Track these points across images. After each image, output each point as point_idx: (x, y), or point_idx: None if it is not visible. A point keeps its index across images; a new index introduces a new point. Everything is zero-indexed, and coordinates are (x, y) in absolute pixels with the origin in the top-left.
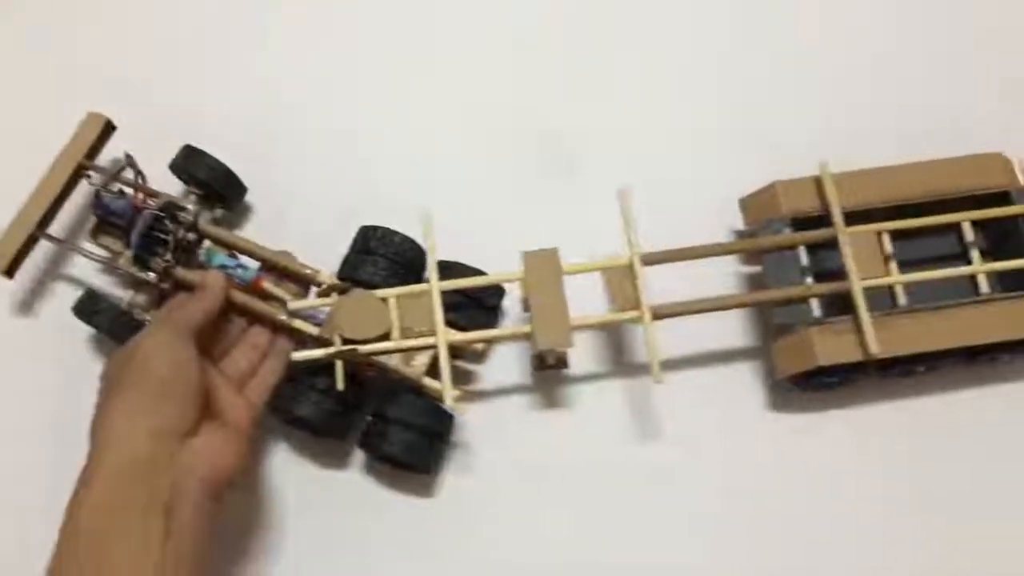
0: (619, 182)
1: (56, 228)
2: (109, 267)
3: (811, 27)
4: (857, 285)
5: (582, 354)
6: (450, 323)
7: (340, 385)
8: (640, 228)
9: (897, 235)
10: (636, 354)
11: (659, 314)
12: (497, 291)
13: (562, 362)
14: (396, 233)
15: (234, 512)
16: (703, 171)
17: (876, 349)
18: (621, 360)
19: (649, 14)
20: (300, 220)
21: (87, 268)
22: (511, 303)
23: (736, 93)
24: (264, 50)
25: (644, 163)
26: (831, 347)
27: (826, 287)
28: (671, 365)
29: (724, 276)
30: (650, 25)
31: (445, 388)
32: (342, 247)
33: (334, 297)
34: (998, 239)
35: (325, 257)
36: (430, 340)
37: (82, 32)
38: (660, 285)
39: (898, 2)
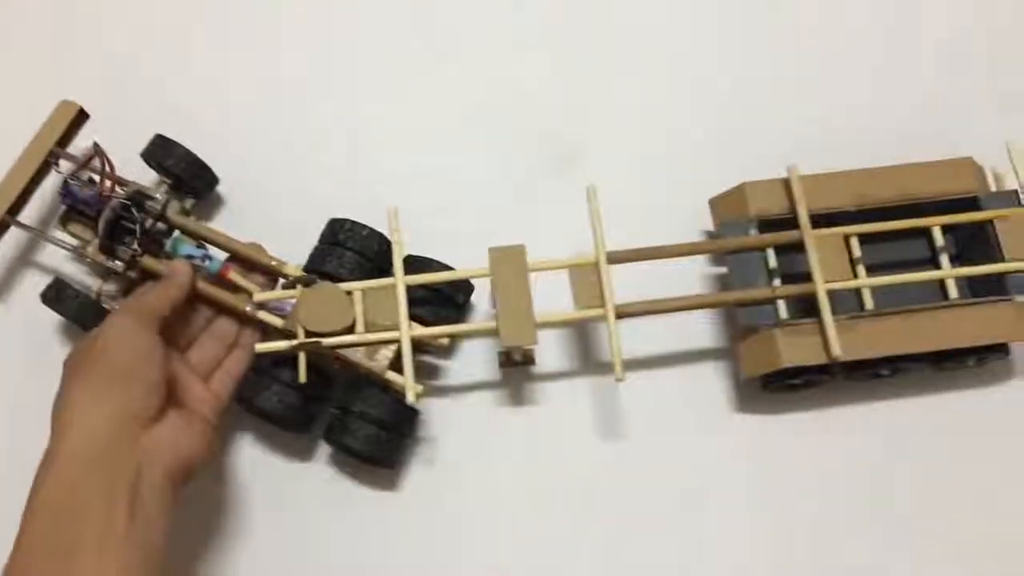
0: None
1: (26, 215)
2: (78, 255)
3: (788, 31)
4: (822, 288)
5: (551, 351)
6: (418, 318)
7: (302, 377)
8: (624, 227)
9: (866, 239)
10: (606, 353)
11: (623, 313)
12: (466, 287)
13: (529, 359)
14: (364, 227)
15: (199, 502)
16: (680, 171)
17: (838, 352)
18: (590, 358)
19: (638, 18)
20: (273, 212)
21: (57, 256)
22: (481, 299)
23: (714, 94)
24: (246, 41)
25: (627, 163)
26: (795, 349)
27: (790, 289)
28: (640, 364)
29: (698, 277)
30: (636, 28)
31: (408, 383)
32: (315, 240)
33: (300, 289)
34: (967, 244)
35: (300, 250)
36: (394, 334)
37: (59, 20)
38: (633, 285)
39: (871, 6)
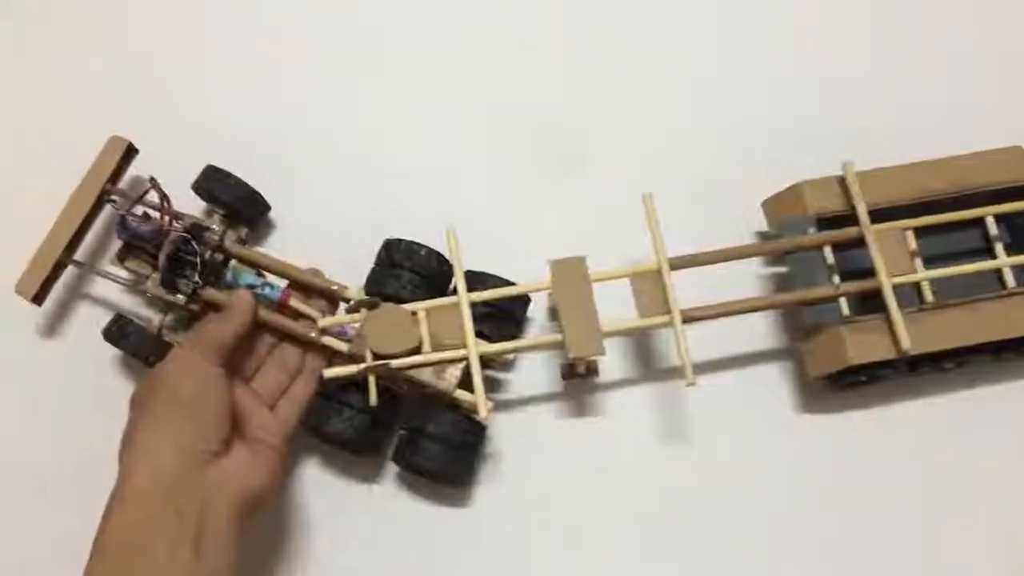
0: (633, 184)
1: (82, 252)
2: (138, 290)
3: (828, 25)
4: (887, 282)
5: (611, 361)
6: (480, 335)
7: (373, 400)
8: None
9: (921, 232)
10: (663, 359)
11: (689, 317)
12: (523, 301)
13: (592, 370)
14: (421, 246)
15: (269, 529)
16: (687, 172)
17: (908, 345)
18: (649, 366)
19: (662, 13)
20: (324, 236)
21: (112, 290)
22: (536, 311)
23: (751, 93)
24: (278, 68)
25: (653, 164)
26: (863, 345)
27: (856, 285)
28: (700, 369)
29: (744, 277)
30: (660, 24)
31: (479, 400)
32: (367, 261)
33: (363, 313)
34: (1018, 233)
35: (350, 272)
36: (461, 352)
37: (103, 53)
38: (684, 290)
39: (872, 5)
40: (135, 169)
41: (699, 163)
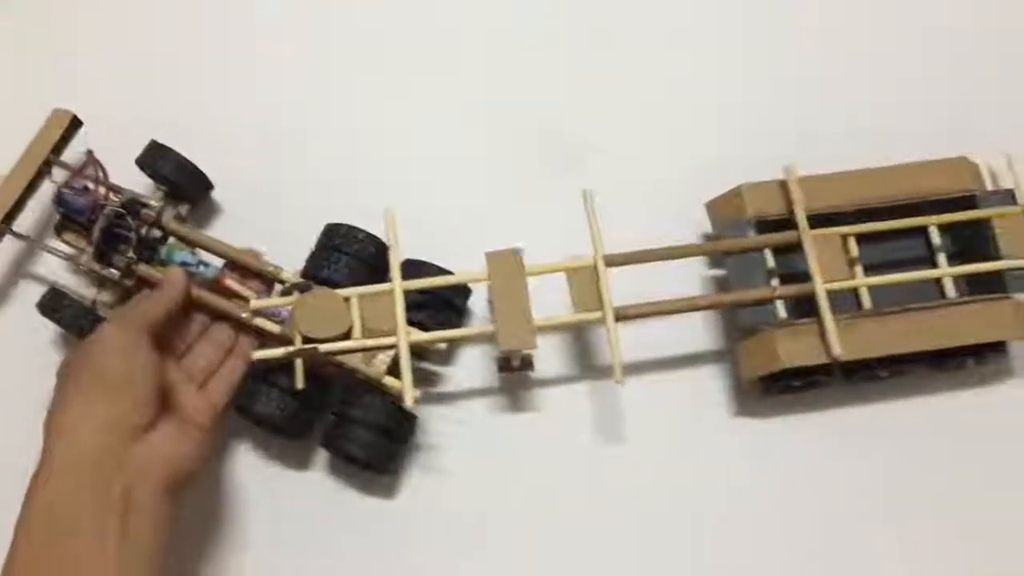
0: (604, 183)
1: (23, 224)
2: (73, 264)
3: (788, 32)
4: (820, 287)
5: (549, 357)
6: (415, 323)
7: (300, 384)
8: (629, 229)
9: (865, 239)
10: (604, 357)
11: (622, 315)
12: (464, 290)
13: (527, 364)
14: (359, 231)
15: (196, 510)
16: (681, 172)
17: (839, 351)
18: (589, 363)
19: (661, 13)
20: (271, 217)
21: (54, 265)
22: (480, 303)
23: (715, 95)
24: (243, 45)
25: (628, 164)
26: (794, 349)
27: (789, 289)
28: (639, 368)
29: (697, 279)
30: (660, 23)
31: (406, 388)
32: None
33: (296, 296)
34: (966, 243)
35: (300, 256)
36: (391, 340)
37: (55, 26)
38: (632, 287)
39: (872, 5)
40: (86, 145)
41: (698, 163)
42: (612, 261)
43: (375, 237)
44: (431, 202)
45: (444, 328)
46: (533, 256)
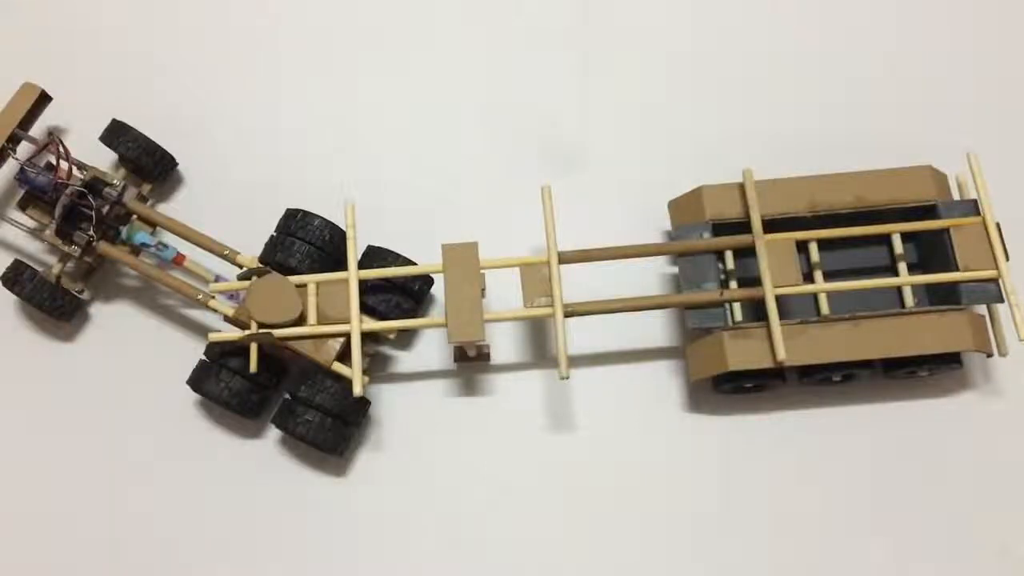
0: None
1: None
2: (36, 238)
3: (763, 37)
4: (770, 292)
5: (507, 347)
6: (371, 308)
7: (253, 367)
8: (606, 227)
9: (829, 246)
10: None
11: (572, 312)
12: (424, 277)
13: (483, 355)
14: (315, 216)
15: (151, 482)
16: (659, 172)
17: (783, 356)
18: (546, 355)
19: (663, 11)
20: (236, 198)
21: (21, 238)
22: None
23: (695, 96)
24: (222, 23)
25: (612, 162)
26: (741, 352)
27: (738, 292)
28: (595, 360)
29: (661, 276)
30: (660, 22)
31: (355, 376)
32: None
33: (252, 280)
34: (929, 253)
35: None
36: (343, 327)
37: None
38: (593, 283)
39: (849, 7)
40: (57, 120)
41: (699, 163)
42: (565, 258)
43: (330, 223)
44: (404, 190)
45: (399, 313)
46: (511, 250)
